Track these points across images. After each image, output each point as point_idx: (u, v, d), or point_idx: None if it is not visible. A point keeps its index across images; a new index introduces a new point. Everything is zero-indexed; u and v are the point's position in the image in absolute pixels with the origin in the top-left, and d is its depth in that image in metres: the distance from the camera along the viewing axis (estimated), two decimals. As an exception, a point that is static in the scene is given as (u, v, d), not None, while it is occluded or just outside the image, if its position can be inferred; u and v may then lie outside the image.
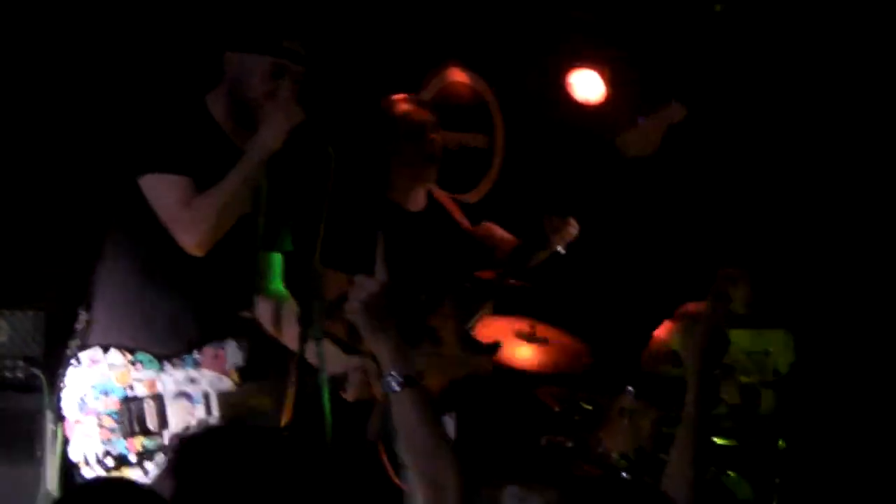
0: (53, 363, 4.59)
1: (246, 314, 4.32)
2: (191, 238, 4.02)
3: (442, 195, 5.53)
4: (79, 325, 4.24)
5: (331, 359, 3.97)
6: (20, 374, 4.96)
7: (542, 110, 7.33)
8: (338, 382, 4.11)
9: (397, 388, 3.11)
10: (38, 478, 4.51)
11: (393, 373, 3.13)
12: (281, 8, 5.49)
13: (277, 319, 4.43)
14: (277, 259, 4.46)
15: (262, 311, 4.45)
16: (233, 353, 4.21)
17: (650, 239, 5.19)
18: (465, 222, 5.46)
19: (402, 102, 5.25)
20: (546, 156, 7.32)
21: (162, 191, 4.05)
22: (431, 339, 5.03)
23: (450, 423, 5.19)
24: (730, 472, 6.10)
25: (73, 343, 4.22)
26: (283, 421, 3.89)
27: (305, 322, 3.96)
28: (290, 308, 4.42)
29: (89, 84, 5.45)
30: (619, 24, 7.23)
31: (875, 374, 6.18)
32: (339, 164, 4.03)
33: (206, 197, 4.02)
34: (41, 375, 4.81)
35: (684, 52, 7.32)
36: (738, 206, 7.22)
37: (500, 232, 5.51)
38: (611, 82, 7.19)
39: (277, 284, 4.45)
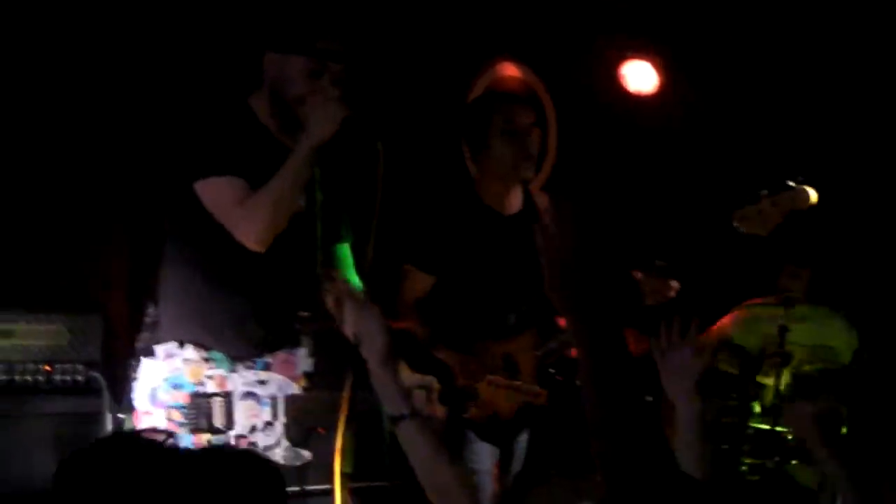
0: (112, 366, 4.73)
1: (305, 314, 4.23)
2: (249, 235, 4.03)
3: (545, 200, 5.33)
4: (148, 319, 4.27)
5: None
6: (80, 378, 4.95)
7: (595, 102, 7.32)
8: None
9: (402, 419, 3.09)
10: None
11: (396, 410, 3.11)
12: (320, 7, 5.70)
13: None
14: (347, 250, 4.46)
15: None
16: (304, 359, 4.20)
17: (712, 235, 5.09)
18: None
19: (497, 97, 5.23)
20: (600, 150, 7.32)
21: (217, 193, 4.06)
22: (508, 366, 5.05)
23: (486, 451, 5.17)
24: (793, 460, 6.12)
25: (143, 336, 4.25)
26: (339, 430, 3.75)
27: None
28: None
29: (141, 92, 5.47)
30: (669, 16, 7.20)
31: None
32: (406, 161, 4.11)
33: (259, 194, 4.02)
34: (101, 378, 4.83)
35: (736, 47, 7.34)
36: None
37: None
38: (664, 73, 7.22)
39: (352, 276, 4.43)
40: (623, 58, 7.22)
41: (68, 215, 5.39)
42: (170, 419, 4.03)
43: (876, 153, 7.19)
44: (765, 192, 4.61)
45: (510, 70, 6.98)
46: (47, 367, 4.90)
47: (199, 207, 4.07)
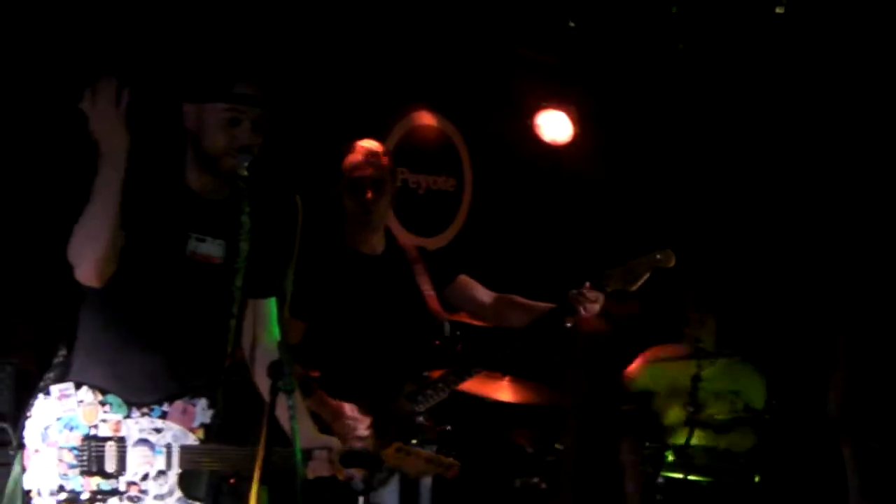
0: (20, 417, 4.40)
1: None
2: (78, 272, 3.96)
3: (409, 245, 5.47)
4: (56, 360, 4.14)
5: (301, 426, 3.84)
6: None
7: (510, 151, 7.39)
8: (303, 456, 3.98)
9: None
10: None
11: None
12: (235, 53, 5.58)
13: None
14: (272, 304, 4.37)
15: (259, 365, 4.34)
16: (202, 410, 4.12)
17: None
18: (425, 279, 5.38)
19: (350, 154, 5.18)
20: (515, 196, 7.42)
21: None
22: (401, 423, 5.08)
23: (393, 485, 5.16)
24: None
25: (49, 375, 4.11)
26: (253, 492, 3.61)
27: (276, 374, 3.80)
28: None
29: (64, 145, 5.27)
30: (583, 65, 7.38)
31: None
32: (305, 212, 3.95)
33: (78, 226, 3.96)
34: (9, 429, 4.73)
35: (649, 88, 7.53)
36: (703, 247, 7.31)
37: (478, 289, 5.40)
38: (578, 122, 7.27)
39: (275, 331, 4.35)
40: (539, 107, 7.26)
41: None
42: (61, 460, 3.92)
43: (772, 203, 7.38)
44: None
45: (426, 118, 7.05)
46: None
47: None
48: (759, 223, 7.42)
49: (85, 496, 3.93)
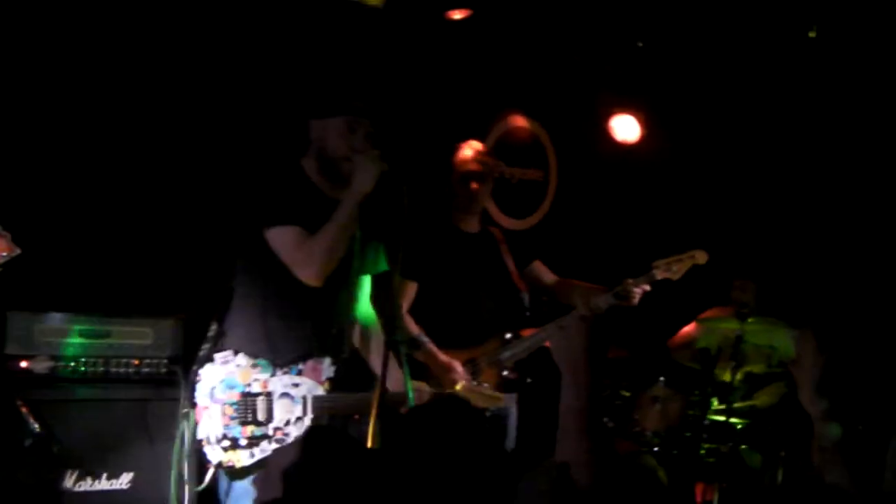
0: (188, 361, 4.78)
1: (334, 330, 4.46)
2: (307, 273, 4.28)
3: (496, 230, 5.73)
4: (210, 334, 4.48)
5: (397, 373, 4.08)
6: (162, 370, 5.03)
7: (589, 149, 7.62)
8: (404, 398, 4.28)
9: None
10: (172, 454, 4.76)
11: None
12: (350, 75, 5.91)
13: (364, 341, 4.71)
14: (366, 282, 4.66)
15: (374, 340, 4.65)
16: (327, 367, 4.40)
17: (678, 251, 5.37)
18: (509, 258, 5.62)
19: (460, 152, 5.47)
20: (590, 187, 7.58)
21: (281, 239, 4.34)
22: (473, 371, 5.26)
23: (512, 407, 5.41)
24: (742, 446, 6.42)
25: (206, 346, 4.44)
26: (370, 426, 3.83)
27: (390, 328, 4.18)
28: (375, 332, 4.68)
29: (224, 157, 5.81)
30: (649, 77, 7.51)
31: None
32: (413, 199, 4.22)
33: (315, 240, 4.28)
34: (179, 371, 4.93)
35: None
36: (749, 221, 7.53)
37: (547, 273, 5.69)
38: (646, 125, 7.51)
39: (364, 306, 4.66)
40: (612, 112, 7.52)
41: (159, 245, 5.71)
42: (224, 413, 4.28)
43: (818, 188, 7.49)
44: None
45: (519, 121, 7.36)
46: (136, 362, 5.01)
47: (267, 250, 4.35)
48: (793, 207, 7.55)
49: (242, 442, 4.27)
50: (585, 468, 2.84)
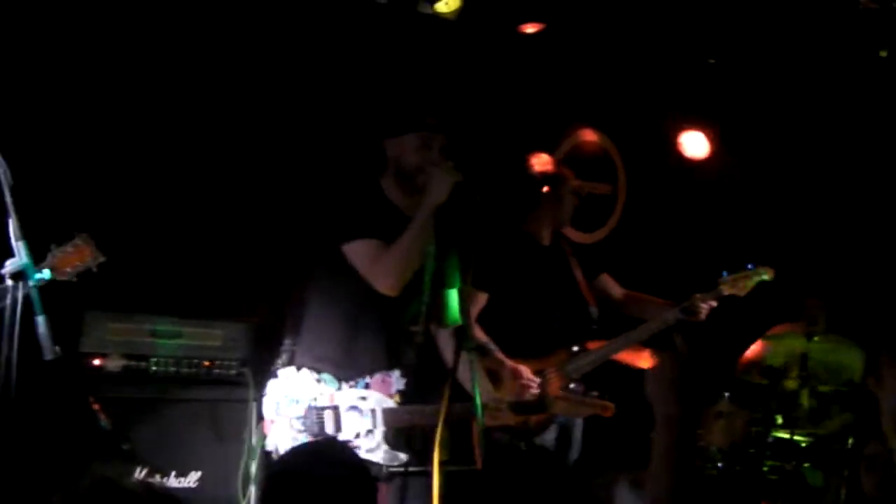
0: (256, 363, 4.94)
1: (418, 337, 4.40)
2: (385, 283, 4.31)
3: (565, 243, 5.71)
4: (284, 349, 4.51)
5: (480, 380, 4.08)
6: (232, 372, 5.15)
7: (658, 164, 7.61)
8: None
9: None
10: (240, 454, 4.96)
11: None
12: (423, 90, 6.01)
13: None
14: (454, 294, 4.49)
15: (444, 343, 4.57)
16: (397, 380, 4.40)
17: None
18: (578, 270, 5.63)
19: (545, 164, 5.53)
20: (659, 201, 7.55)
21: (360, 252, 4.38)
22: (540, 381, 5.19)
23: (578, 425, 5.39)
24: (805, 464, 6.34)
25: (279, 361, 4.47)
26: (437, 435, 3.84)
27: (461, 335, 4.06)
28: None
29: (307, 178, 5.91)
30: (721, 93, 7.48)
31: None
32: (487, 209, 4.30)
33: (392, 251, 4.32)
34: (248, 373, 5.08)
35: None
36: (821, 240, 7.46)
37: (615, 287, 5.71)
38: (715, 142, 7.48)
39: (457, 316, 4.46)
40: (681, 128, 7.51)
41: (234, 252, 5.79)
42: (291, 426, 4.31)
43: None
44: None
45: (589, 135, 7.38)
46: (207, 363, 5.13)
47: (344, 265, 4.38)
48: (862, 225, 7.48)
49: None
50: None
